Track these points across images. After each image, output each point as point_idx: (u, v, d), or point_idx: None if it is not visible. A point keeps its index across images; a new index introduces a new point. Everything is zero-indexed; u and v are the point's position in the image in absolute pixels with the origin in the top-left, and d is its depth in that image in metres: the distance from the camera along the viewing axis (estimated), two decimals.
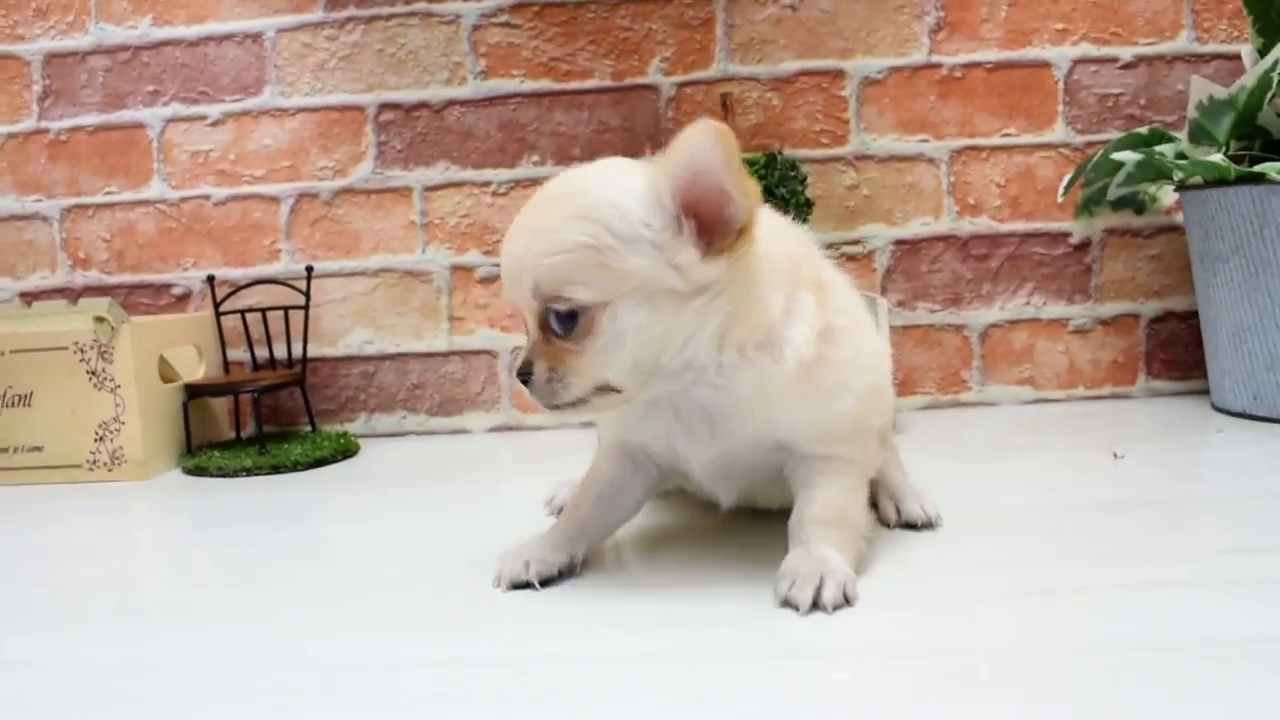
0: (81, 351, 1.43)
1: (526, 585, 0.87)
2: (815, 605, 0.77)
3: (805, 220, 1.43)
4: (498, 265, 1.63)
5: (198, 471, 1.44)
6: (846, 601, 0.78)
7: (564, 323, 0.80)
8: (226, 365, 1.64)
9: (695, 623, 0.78)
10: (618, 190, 0.79)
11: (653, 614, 0.80)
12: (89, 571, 1.03)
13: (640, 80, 1.63)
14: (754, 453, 0.89)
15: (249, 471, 1.42)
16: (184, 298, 1.71)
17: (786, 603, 0.78)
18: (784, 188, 1.40)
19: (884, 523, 1.01)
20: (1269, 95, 1.37)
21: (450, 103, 1.65)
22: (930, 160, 1.62)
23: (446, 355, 1.67)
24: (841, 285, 0.97)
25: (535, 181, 1.61)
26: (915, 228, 1.63)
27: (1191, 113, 1.44)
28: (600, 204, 0.78)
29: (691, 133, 0.76)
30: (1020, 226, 1.63)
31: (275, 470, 1.43)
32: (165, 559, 1.10)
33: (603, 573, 0.91)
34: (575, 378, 0.81)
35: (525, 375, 0.83)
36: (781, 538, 0.88)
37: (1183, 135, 1.48)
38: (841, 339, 0.89)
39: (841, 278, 0.98)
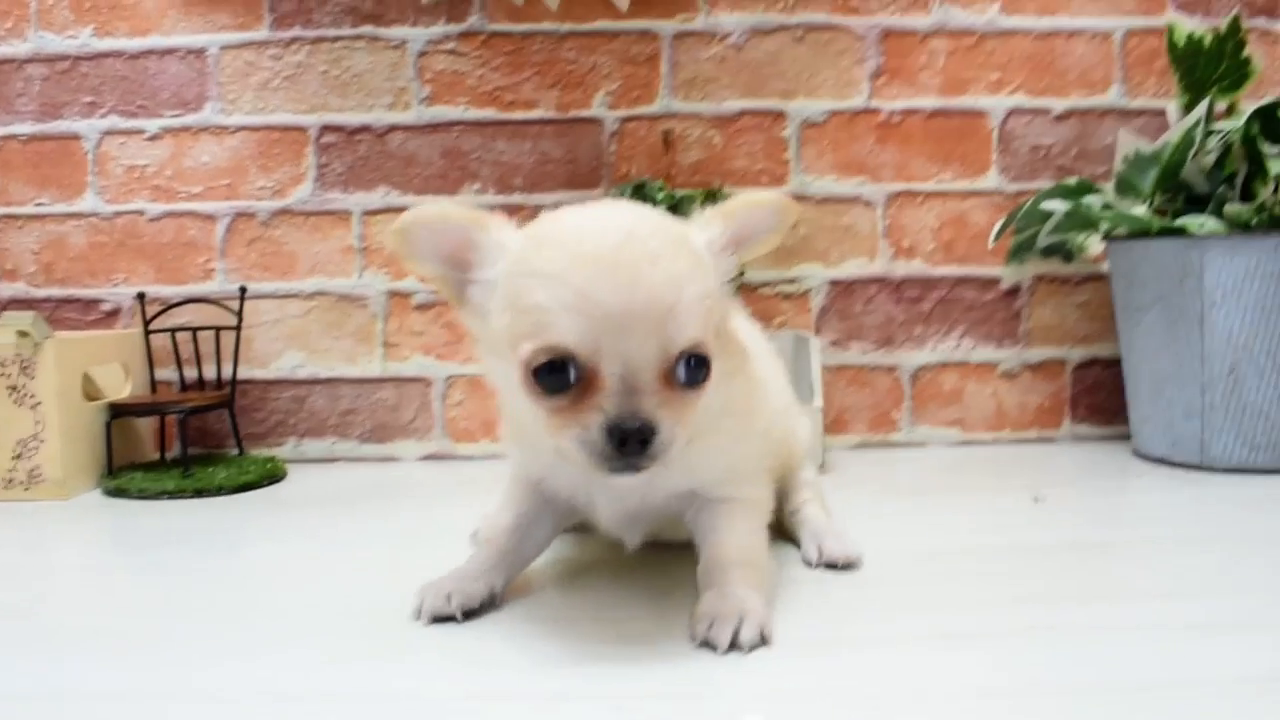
0: (2, 366, 1.40)
1: (449, 618, 0.86)
2: (733, 645, 0.77)
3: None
4: (435, 292, 1.63)
5: (118, 493, 1.41)
6: (763, 641, 0.79)
7: (695, 372, 0.76)
8: (154, 384, 1.62)
9: (613, 660, 0.78)
10: (708, 240, 0.81)
11: (572, 651, 0.80)
12: None
13: (584, 113, 1.64)
14: (664, 501, 0.90)
15: (171, 494, 1.39)
16: (113, 314, 1.68)
17: (705, 643, 0.78)
18: None
19: (806, 561, 1.02)
20: (1192, 152, 1.41)
21: (393, 127, 1.64)
22: (867, 203, 1.65)
23: (380, 381, 1.66)
24: (741, 319, 0.99)
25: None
26: (850, 268, 1.65)
27: (1118, 166, 1.48)
28: (705, 253, 0.80)
29: (764, 200, 0.84)
30: (953, 270, 1.66)
31: (199, 494, 1.40)
32: (79, 583, 1.07)
33: (521, 606, 0.91)
34: (683, 430, 0.76)
35: (648, 435, 0.73)
36: (690, 569, 0.89)
37: (1110, 187, 1.52)
38: (752, 377, 0.91)
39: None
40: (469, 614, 0.87)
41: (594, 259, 0.73)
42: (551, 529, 0.97)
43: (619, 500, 0.89)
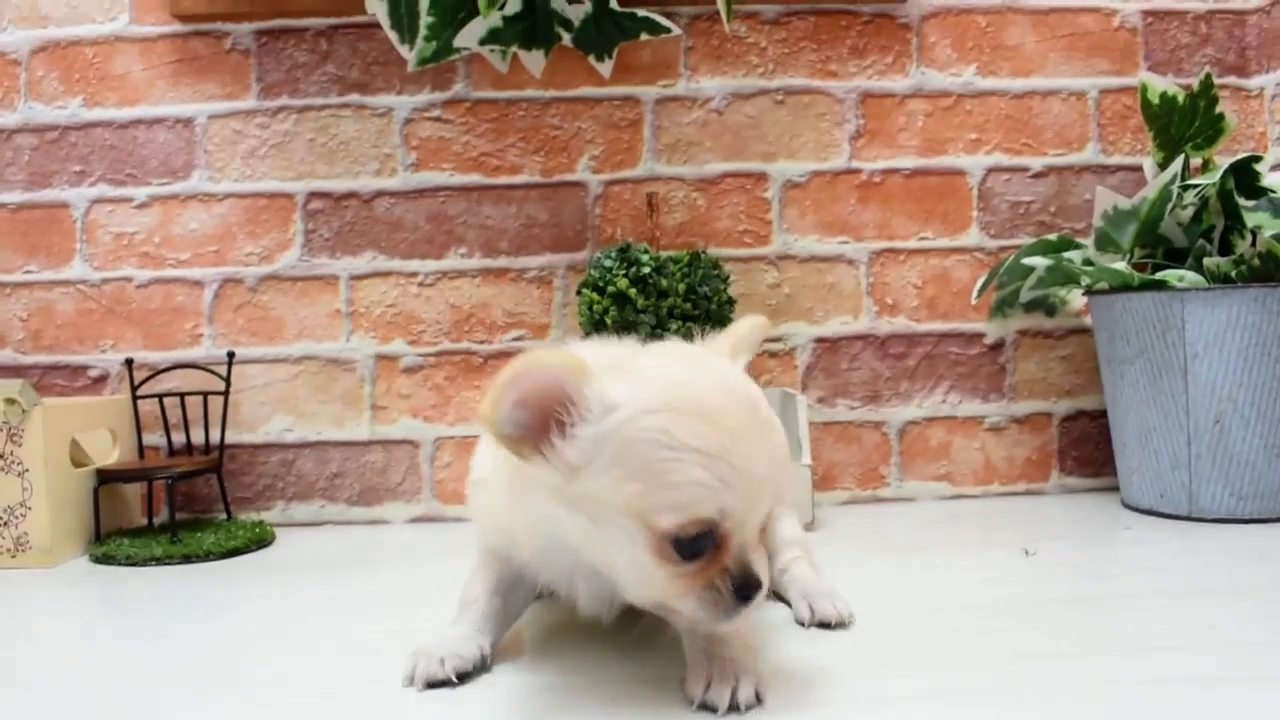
0: None
1: (443, 683, 0.85)
2: (731, 706, 0.77)
3: (728, 319, 1.45)
4: (422, 355, 1.64)
5: (106, 560, 1.40)
6: (758, 700, 0.79)
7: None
8: (141, 450, 1.61)
9: None
10: None
11: (568, 717, 0.80)
12: None
13: (569, 177, 1.66)
14: None
15: (159, 561, 1.38)
16: (101, 380, 1.68)
17: (704, 705, 0.78)
18: (707, 286, 1.43)
19: (799, 621, 1.02)
20: (1169, 206, 1.44)
21: (380, 193, 1.66)
22: (850, 261, 1.67)
23: (368, 444, 1.66)
24: None
25: (462, 273, 1.64)
26: (835, 326, 1.67)
27: (1097, 221, 1.50)
28: None
29: (757, 324, 0.93)
30: (937, 327, 1.68)
31: (187, 560, 1.39)
32: (68, 652, 1.06)
33: (509, 670, 0.91)
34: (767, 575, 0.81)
35: (760, 589, 0.78)
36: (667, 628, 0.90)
37: (1090, 242, 1.54)
38: None
39: None
40: (462, 677, 0.86)
41: (742, 434, 0.75)
42: (528, 593, 0.98)
43: (597, 589, 0.89)
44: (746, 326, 0.92)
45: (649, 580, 0.77)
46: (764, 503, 0.77)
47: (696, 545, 0.75)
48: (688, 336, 1.40)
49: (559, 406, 0.76)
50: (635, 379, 0.78)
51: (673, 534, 0.74)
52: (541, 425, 0.76)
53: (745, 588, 0.76)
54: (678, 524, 0.74)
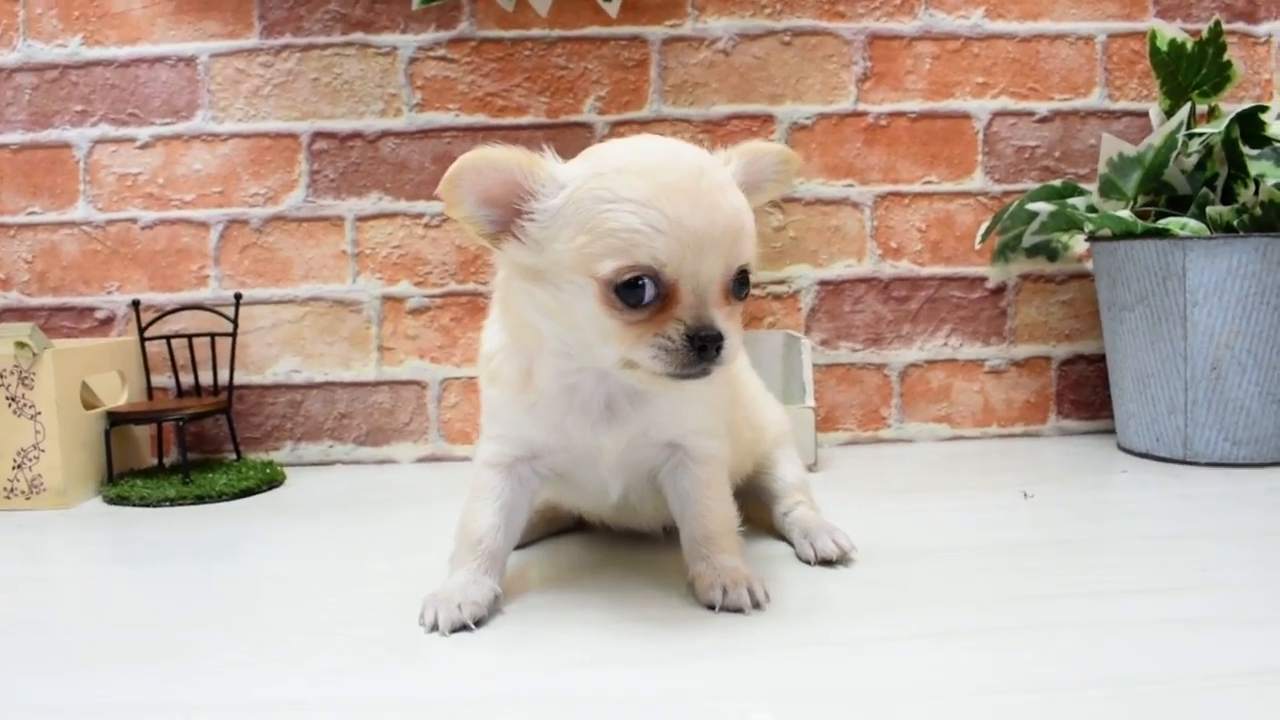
0: (1, 377, 1.41)
1: (463, 628, 0.88)
2: (754, 604, 0.90)
3: None
4: (429, 296, 1.65)
5: (119, 500, 1.42)
6: (767, 598, 0.91)
7: (744, 286, 0.86)
8: (150, 391, 1.62)
9: (620, 661, 0.80)
10: (730, 174, 0.88)
11: (577, 653, 0.83)
12: (2, 607, 1.02)
13: (575, 118, 1.65)
14: (653, 451, 0.98)
15: (172, 501, 1.41)
16: (107, 321, 1.68)
17: (726, 608, 0.89)
18: None
19: (804, 560, 1.05)
20: (1174, 155, 1.44)
21: (385, 134, 1.65)
22: (855, 205, 1.67)
23: (375, 385, 1.67)
24: None
25: None
26: (839, 269, 1.68)
27: (1102, 168, 1.50)
28: None
29: (768, 149, 0.92)
30: (940, 270, 1.69)
31: (200, 500, 1.41)
32: (86, 594, 1.08)
33: (518, 607, 0.95)
34: (738, 339, 0.85)
35: (720, 342, 0.81)
36: (663, 567, 0.99)
37: (1094, 188, 1.55)
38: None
39: None
40: (478, 622, 0.89)
41: (679, 189, 0.80)
42: (527, 512, 1.02)
43: (622, 441, 0.94)
44: (757, 146, 0.92)
45: (604, 332, 0.82)
46: (710, 256, 0.81)
47: (637, 293, 0.80)
48: None
49: (518, 198, 0.83)
50: (587, 157, 0.86)
51: (611, 280, 0.80)
52: (510, 217, 0.84)
53: (699, 338, 0.80)
54: (614, 269, 0.80)
